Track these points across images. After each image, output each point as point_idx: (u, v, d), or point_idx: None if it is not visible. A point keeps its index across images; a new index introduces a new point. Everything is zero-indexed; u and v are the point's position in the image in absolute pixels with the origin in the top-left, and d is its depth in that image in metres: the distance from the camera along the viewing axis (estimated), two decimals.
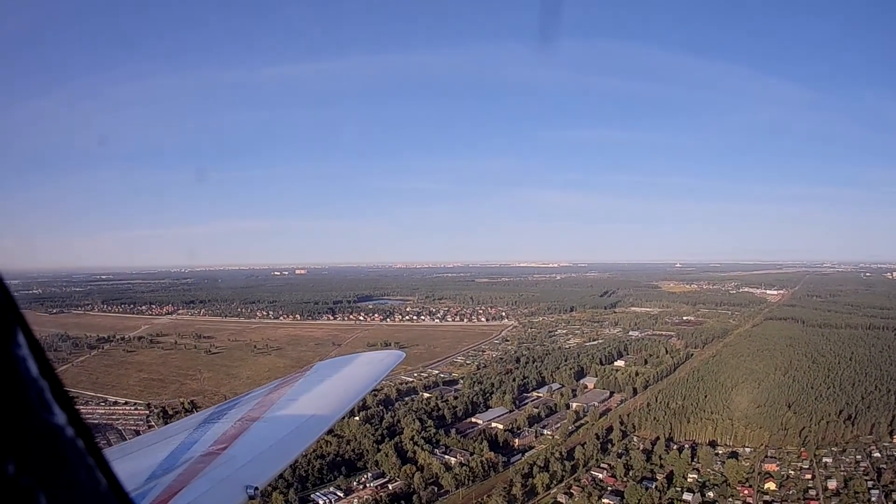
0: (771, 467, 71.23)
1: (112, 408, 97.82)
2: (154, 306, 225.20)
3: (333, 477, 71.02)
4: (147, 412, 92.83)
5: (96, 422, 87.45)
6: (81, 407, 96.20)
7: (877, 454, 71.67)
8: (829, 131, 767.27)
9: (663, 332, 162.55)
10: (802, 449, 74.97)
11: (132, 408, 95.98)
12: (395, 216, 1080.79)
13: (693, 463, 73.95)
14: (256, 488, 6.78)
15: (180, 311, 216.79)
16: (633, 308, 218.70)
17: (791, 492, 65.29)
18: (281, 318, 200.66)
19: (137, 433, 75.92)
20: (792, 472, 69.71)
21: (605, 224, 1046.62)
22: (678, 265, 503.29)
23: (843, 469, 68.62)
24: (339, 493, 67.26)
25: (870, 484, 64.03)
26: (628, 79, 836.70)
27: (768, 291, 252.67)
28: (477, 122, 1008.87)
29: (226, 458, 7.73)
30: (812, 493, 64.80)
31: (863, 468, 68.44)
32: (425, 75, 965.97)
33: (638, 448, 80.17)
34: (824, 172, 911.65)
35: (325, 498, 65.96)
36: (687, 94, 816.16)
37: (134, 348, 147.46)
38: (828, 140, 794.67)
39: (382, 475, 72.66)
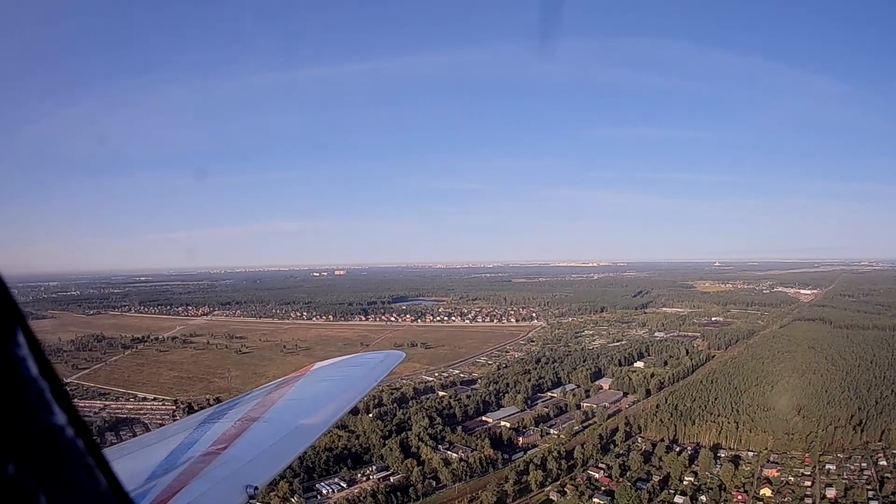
0: (771, 473, 69.41)
1: (140, 403, 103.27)
2: (190, 307, 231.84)
3: (339, 469, 73.91)
4: (174, 408, 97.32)
5: (125, 416, 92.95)
6: (112, 402, 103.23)
7: (883, 462, 68.94)
8: (868, 126, 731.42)
9: (689, 333, 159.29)
10: (806, 455, 72.79)
11: (160, 403, 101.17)
12: (435, 217, 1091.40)
13: (692, 466, 72.76)
14: (256, 488, 6.88)
15: (216, 313, 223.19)
16: (663, 308, 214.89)
17: (787, 499, 63.53)
18: (314, 318, 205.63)
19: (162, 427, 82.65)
20: (792, 479, 67.86)
21: (645, 223, 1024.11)
22: (717, 264, 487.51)
23: (845, 477, 66.30)
24: (342, 484, 70.01)
25: (870, 494, 61.57)
26: (666, 75, 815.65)
27: (802, 291, 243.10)
28: (520, 121, 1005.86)
29: (226, 458, 7.82)
30: (808, 501, 62.88)
31: (866, 477, 65.93)
32: (463, 76, 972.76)
33: (640, 449, 79.88)
34: (865, 168, 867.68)
35: (328, 487, 68.97)
36: (725, 90, 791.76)
37: (167, 348, 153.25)
38: (867, 136, 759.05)
39: (386, 468, 75.22)
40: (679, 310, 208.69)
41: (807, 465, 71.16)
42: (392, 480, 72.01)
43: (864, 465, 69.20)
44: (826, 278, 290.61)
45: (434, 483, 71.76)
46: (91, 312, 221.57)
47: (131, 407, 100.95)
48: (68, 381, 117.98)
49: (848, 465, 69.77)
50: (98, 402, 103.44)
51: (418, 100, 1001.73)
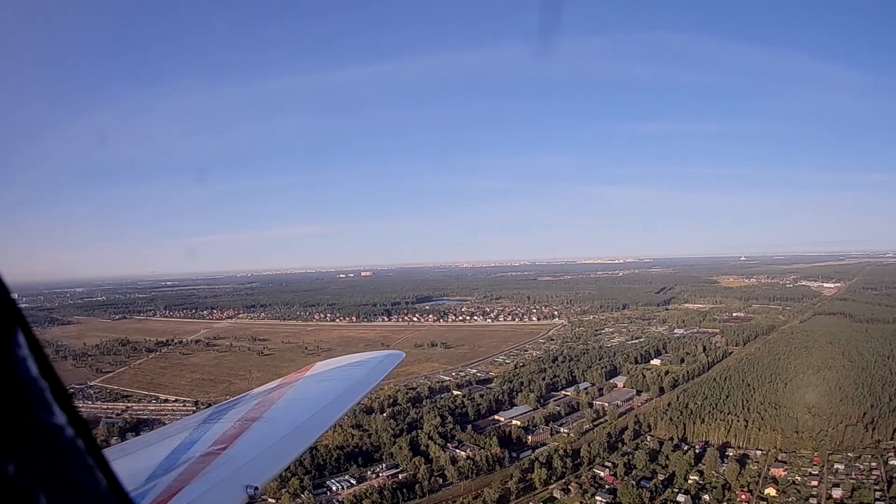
0: (778, 472, 68.45)
1: (162, 405, 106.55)
2: (215, 311, 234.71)
3: (350, 466, 75.88)
4: (194, 409, 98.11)
5: (146, 417, 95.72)
6: (134, 404, 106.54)
7: (894, 461, 66.99)
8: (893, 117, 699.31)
9: (708, 330, 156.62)
10: (815, 454, 71.35)
11: (180, 405, 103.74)
12: (461, 216, 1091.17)
13: (698, 465, 72.23)
14: (256, 488, 6.84)
15: (240, 315, 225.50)
16: (685, 305, 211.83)
17: (792, 499, 62.63)
18: (337, 320, 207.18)
19: None
20: (798, 478, 66.77)
21: (672, 218, 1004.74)
22: (742, 258, 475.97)
23: (853, 476, 64.89)
24: (352, 481, 71.93)
25: (877, 494, 60.22)
26: (690, 69, 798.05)
27: (825, 284, 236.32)
28: (545, 117, 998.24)
29: (226, 458, 7.80)
30: (813, 501, 61.97)
31: (875, 476, 64.39)
32: (487, 74, 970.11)
33: (647, 448, 79.44)
34: (892, 159, 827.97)
35: (338, 484, 70.98)
36: (750, 83, 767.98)
37: (190, 351, 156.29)
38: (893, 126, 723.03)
39: (396, 466, 76.73)
40: (701, 306, 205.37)
41: (815, 465, 69.70)
42: (400, 478, 73.77)
43: (873, 464, 67.42)
44: (850, 271, 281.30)
45: (441, 481, 73.20)
46: (116, 317, 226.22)
47: (153, 408, 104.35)
48: (92, 384, 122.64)
49: (857, 464, 68.11)
50: (121, 403, 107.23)
51: (443, 100, 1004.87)
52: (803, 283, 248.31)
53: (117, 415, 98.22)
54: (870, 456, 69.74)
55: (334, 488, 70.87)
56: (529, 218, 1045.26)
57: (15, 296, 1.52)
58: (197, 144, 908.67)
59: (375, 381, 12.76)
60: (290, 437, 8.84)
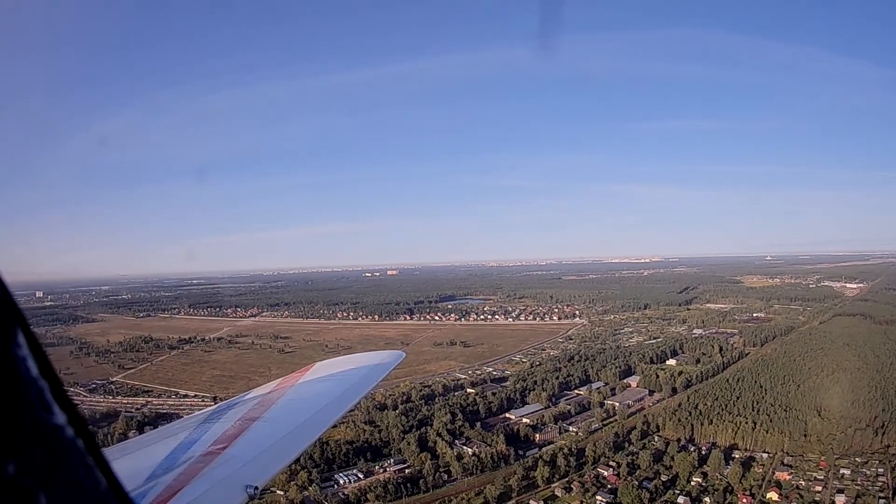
0: (783, 476, 67.47)
1: (181, 400, 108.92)
2: (239, 309, 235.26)
3: (359, 461, 77.75)
4: (212, 404, 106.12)
5: (165, 411, 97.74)
6: (154, 399, 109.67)
7: None
8: None
9: (727, 330, 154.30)
10: (822, 458, 70.10)
11: (199, 400, 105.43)
12: (489, 215, 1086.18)
13: (702, 466, 71.78)
14: (256, 488, 6.86)
15: (264, 314, 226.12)
16: (707, 305, 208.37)
17: None
18: (360, 318, 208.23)
19: None
20: (803, 482, 65.65)
21: (698, 217, 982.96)
22: (768, 258, 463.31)
23: (858, 482, 63.62)
24: (359, 475, 73.90)
25: (882, 503, 58.99)
26: (715, 66, 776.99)
27: (848, 285, 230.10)
28: (571, 115, 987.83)
29: (226, 458, 7.83)
30: None
31: (881, 483, 63.01)
32: (513, 73, 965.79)
33: (654, 448, 79.30)
34: None
35: (345, 478, 73.02)
36: (775, 80, 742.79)
37: (212, 348, 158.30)
38: None
39: (403, 462, 78.26)
40: (722, 306, 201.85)
41: (821, 469, 68.36)
42: (406, 473, 75.19)
43: (880, 470, 65.75)
44: (874, 271, 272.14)
45: (445, 476, 74.91)
46: (141, 315, 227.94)
47: (172, 403, 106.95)
48: (114, 379, 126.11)
49: (864, 469, 66.57)
50: (141, 398, 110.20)
51: (469, 99, 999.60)
52: (826, 283, 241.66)
53: (137, 409, 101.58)
54: (877, 461, 68.29)
55: (342, 482, 73.07)
56: (556, 217, 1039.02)
57: (15, 296, 1.51)
58: (226, 144, 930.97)
59: (375, 381, 12.77)
60: (290, 437, 8.88)
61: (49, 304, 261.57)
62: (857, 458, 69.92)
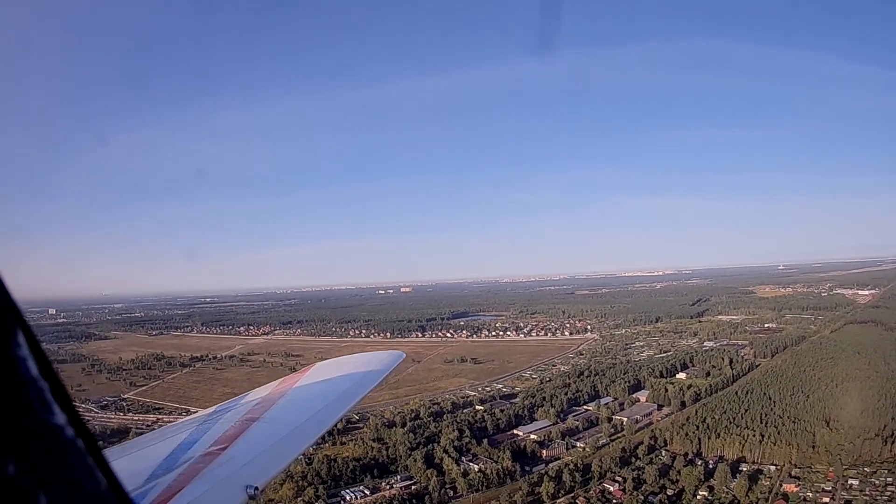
0: (790, 488, 66.61)
1: (191, 416, 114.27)
2: (251, 327, 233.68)
3: (365, 477, 78.25)
4: None
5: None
6: (165, 416, 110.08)
7: None
8: None
9: (738, 342, 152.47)
10: (830, 469, 69.10)
11: None
12: (502, 229, 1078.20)
13: (709, 480, 71.21)
14: (256, 488, 6.81)
15: (276, 332, 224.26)
16: (719, 316, 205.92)
17: None
18: (371, 336, 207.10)
19: None
20: (810, 494, 64.87)
21: (710, 228, 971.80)
22: (781, 267, 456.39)
23: (867, 493, 62.70)
24: (366, 491, 74.32)
25: None
26: (723, 75, 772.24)
27: (860, 292, 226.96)
28: (580, 129, 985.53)
29: (226, 458, 7.80)
30: None
31: (889, 493, 62.13)
32: (519, 85, 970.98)
33: (660, 462, 78.86)
34: None
35: (352, 494, 73.53)
36: (784, 87, 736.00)
37: (223, 366, 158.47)
38: None
39: (410, 478, 78.63)
40: (734, 317, 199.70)
41: (829, 480, 67.30)
42: (412, 489, 75.87)
43: (889, 479, 64.66)
44: (886, 277, 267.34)
45: (451, 492, 75.48)
46: (154, 333, 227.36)
47: (182, 420, 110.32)
48: (125, 396, 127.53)
49: (872, 479, 65.50)
50: (152, 415, 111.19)
51: (482, 114, 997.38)
52: (839, 291, 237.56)
53: (147, 426, 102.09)
54: (886, 471, 67.38)
55: (348, 497, 73.85)
56: (569, 231, 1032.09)
57: (15, 296, 1.50)
58: (238, 162, 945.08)
59: (375, 381, 12.60)
60: (290, 438, 8.84)
61: (62, 321, 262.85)
62: (865, 468, 68.88)
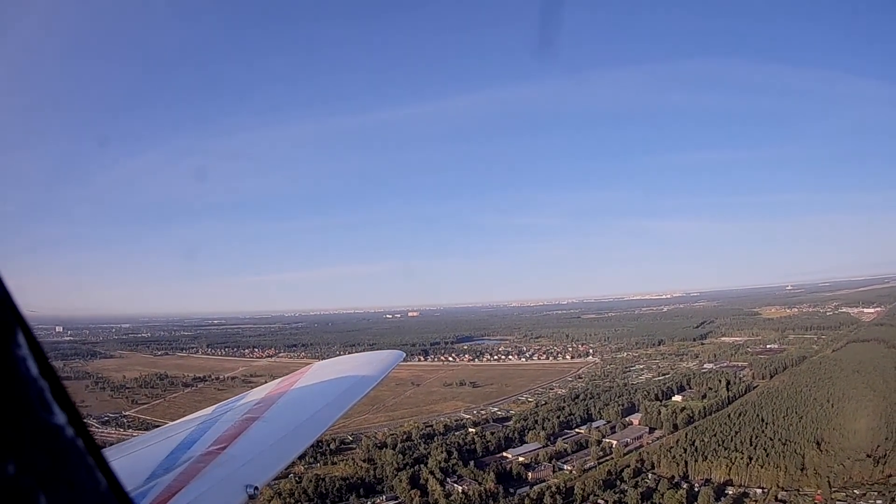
0: None
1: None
2: (257, 350, 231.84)
3: (351, 496, 77.57)
4: None
5: None
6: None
7: None
8: None
9: (739, 363, 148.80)
10: (818, 491, 66.14)
11: None
12: (510, 254, 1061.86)
13: (693, 503, 69.06)
14: (256, 488, 6.77)
15: (280, 355, 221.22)
16: (722, 338, 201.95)
17: None
18: None
19: None
20: None
21: (719, 250, 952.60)
22: (788, 287, 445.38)
23: None
24: None
25: None
26: (723, 96, 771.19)
27: (865, 310, 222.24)
28: (587, 151, 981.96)
29: (226, 458, 7.72)
30: None
31: None
32: (525, 109, 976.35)
33: (645, 486, 76.25)
34: None
35: None
36: (791, 104, 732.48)
37: (225, 387, 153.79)
38: None
39: (395, 498, 78.07)
40: (737, 339, 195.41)
41: (816, 503, 65.08)
42: None
43: (878, 501, 61.72)
44: (892, 294, 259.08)
45: None
46: (159, 353, 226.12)
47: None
48: (127, 413, 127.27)
49: (861, 502, 62.29)
50: (151, 432, 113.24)
51: (487, 137, 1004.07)
52: (844, 309, 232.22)
53: None
54: (876, 493, 64.72)
55: None
56: (577, 254, 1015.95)
57: (14, 296, 1.48)
58: (247, 184, 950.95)
59: (375, 381, 12.47)
60: (290, 437, 8.77)
61: (69, 339, 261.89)
62: (854, 490, 66.24)
